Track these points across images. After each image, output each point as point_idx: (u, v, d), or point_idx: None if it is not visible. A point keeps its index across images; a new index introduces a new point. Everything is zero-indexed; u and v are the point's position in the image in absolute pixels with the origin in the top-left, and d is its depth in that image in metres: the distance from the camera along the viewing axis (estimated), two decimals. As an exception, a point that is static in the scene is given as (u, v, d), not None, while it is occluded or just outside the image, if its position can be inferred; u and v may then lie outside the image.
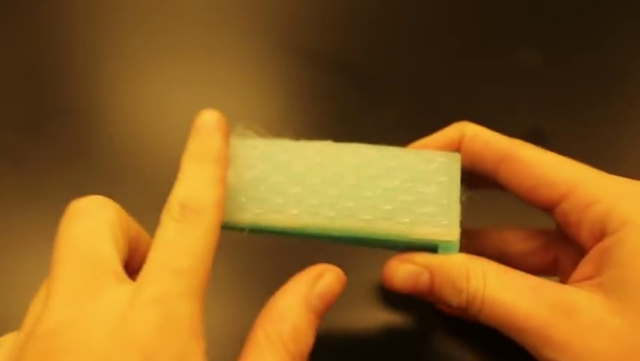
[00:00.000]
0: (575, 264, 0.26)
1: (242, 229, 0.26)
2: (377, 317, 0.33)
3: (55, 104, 0.42)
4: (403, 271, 0.26)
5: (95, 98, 0.43)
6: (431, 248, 0.26)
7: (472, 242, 0.30)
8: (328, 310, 0.23)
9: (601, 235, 0.25)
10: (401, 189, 0.26)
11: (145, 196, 0.38)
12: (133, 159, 0.40)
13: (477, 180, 0.28)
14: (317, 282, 0.23)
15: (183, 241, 0.22)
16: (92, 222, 0.22)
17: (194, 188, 0.23)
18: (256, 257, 0.35)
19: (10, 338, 0.23)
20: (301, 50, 0.45)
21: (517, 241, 0.30)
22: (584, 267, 0.25)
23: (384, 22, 0.47)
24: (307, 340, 0.22)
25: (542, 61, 0.44)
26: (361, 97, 0.43)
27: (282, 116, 0.43)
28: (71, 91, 0.43)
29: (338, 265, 0.24)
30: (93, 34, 0.47)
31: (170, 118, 0.42)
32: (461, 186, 0.26)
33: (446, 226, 0.25)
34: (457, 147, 0.28)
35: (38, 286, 0.35)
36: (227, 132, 0.26)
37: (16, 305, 0.34)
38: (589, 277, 0.25)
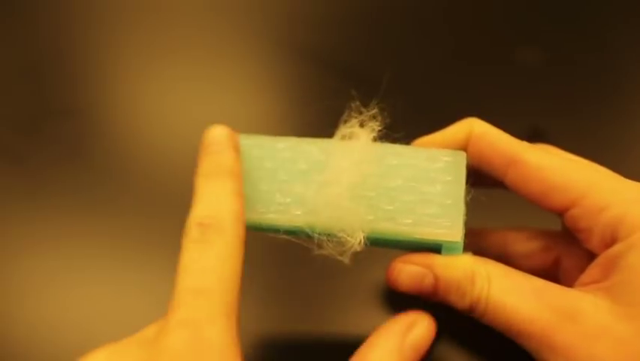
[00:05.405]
0: (578, 266, 0.26)
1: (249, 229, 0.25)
2: (380, 319, 0.33)
3: (56, 104, 0.42)
4: (407, 272, 0.26)
5: (96, 98, 0.43)
6: (436, 248, 0.25)
7: (473, 241, 0.29)
8: None
9: (612, 241, 0.24)
10: (404, 189, 0.25)
11: (146, 196, 0.38)
12: (134, 159, 0.40)
13: (484, 180, 0.27)
14: (409, 332, 0.23)
15: (205, 260, 0.21)
16: None
17: (212, 206, 0.22)
18: (255, 257, 0.34)
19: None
20: (301, 49, 0.45)
21: (518, 242, 0.29)
22: (592, 271, 0.25)
23: (384, 21, 0.47)
24: None
25: (542, 61, 0.44)
26: (361, 97, 0.43)
27: (282, 115, 0.42)
28: (72, 91, 0.43)
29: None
30: (94, 34, 0.46)
31: (171, 118, 0.42)
32: (466, 186, 0.26)
33: (449, 227, 0.25)
34: (463, 146, 0.27)
35: (38, 287, 0.35)
36: (238, 145, 0.25)
37: (17, 305, 0.34)
38: (596, 281, 0.24)
